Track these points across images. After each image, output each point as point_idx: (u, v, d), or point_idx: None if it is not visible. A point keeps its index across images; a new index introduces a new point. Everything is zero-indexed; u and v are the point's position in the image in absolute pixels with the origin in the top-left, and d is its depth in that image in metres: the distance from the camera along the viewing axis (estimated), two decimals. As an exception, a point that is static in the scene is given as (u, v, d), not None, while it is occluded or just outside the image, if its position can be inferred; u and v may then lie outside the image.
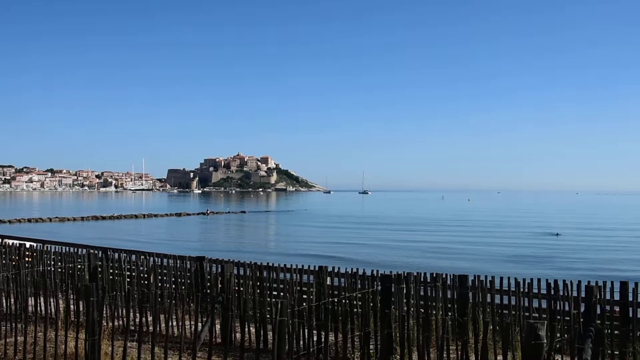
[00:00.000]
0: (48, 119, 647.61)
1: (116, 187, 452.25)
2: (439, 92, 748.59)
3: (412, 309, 10.07)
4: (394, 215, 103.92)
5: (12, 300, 10.27)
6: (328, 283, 11.47)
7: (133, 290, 10.83)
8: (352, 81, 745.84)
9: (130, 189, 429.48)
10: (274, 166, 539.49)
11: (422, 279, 10.74)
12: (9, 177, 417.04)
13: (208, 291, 11.96)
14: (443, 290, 10.46)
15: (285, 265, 12.92)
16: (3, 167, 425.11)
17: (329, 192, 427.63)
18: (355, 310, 9.61)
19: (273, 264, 12.81)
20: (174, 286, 12.75)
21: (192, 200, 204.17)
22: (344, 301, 9.93)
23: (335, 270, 12.03)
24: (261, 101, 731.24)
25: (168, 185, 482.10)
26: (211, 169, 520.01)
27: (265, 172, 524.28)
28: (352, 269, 11.74)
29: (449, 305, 10.38)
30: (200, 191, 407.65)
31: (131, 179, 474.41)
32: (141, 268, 12.81)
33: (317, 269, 11.82)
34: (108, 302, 10.43)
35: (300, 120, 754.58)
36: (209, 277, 12.34)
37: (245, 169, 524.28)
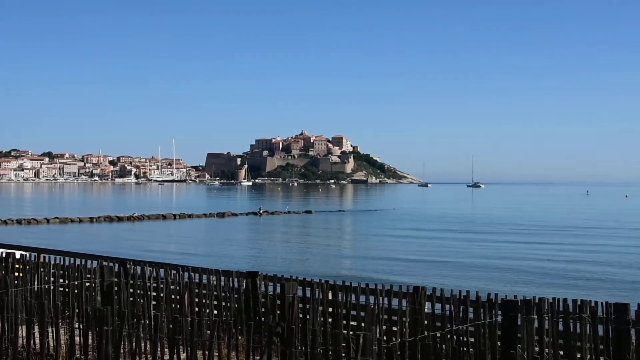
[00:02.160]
0: (44, 91, 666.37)
1: (137, 177, 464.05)
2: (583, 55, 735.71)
3: (547, 349, 9.88)
4: (517, 217, 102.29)
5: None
6: (427, 310, 11.36)
7: (161, 316, 10.97)
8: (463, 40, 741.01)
9: (155, 180, 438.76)
10: (350, 149, 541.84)
11: (561, 308, 10.51)
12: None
13: (262, 319, 12.03)
14: (592, 324, 10.22)
15: (367, 285, 12.86)
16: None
17: (426, 184, 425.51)
18: (465, 348, 9.48)
19: (351, 283, 12.78)
20: (216, 312, 12.88)
21: (239, 196, 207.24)
22: (449, 336, 9.82)
23: (437, 292, 11.90)
24: (333, 68, 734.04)
25: (207, 175, 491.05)
26: (265, 153, 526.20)
27: (339, 157, 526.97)
28: (460, 291, 11.58)
29: (602, 347, 10.13)
30: (250, 183, 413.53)
31: (157, 166, 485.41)
32: (172, 287, 12.99)
33: (411, 290, 11.72)
34: (127, 332, 10.61)
35: (386, 87, 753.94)
36: (263, 299, 12.41)
37: (311, 152, 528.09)
